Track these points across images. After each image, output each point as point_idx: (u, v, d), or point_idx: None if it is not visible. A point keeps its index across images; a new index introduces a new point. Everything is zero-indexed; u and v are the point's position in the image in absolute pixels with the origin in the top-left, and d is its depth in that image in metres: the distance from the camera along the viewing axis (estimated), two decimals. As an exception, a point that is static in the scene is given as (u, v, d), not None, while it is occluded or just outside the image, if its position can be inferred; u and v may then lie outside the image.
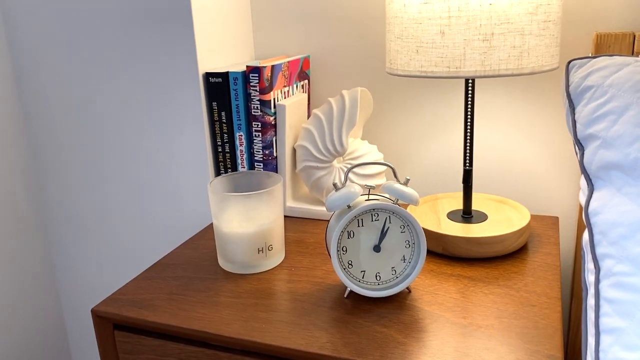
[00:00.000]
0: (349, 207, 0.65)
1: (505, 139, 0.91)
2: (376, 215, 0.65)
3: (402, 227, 0.66)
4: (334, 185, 0.66)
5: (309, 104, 1.01)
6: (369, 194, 0.68)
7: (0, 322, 1.01)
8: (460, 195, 0.89)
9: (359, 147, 0.89)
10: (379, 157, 0.89)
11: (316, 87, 1.02)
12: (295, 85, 0.95)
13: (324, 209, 0.90)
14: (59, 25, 0.94)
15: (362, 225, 0.65)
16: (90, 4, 0.91)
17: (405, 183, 0.66)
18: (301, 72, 0.97)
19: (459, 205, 0.85)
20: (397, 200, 0.66)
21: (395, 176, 0.67)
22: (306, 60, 0.98)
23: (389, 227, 0.65)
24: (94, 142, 0.99)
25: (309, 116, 1.02)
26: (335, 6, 0.96)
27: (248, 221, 0.72)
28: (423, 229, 0.76)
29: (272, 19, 1.01)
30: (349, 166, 0.88)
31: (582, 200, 0.60)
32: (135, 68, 0.91)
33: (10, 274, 1.03)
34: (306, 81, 0.99)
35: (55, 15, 0.93)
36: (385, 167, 0.89)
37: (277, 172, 0.91)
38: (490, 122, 0.92)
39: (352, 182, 0.88)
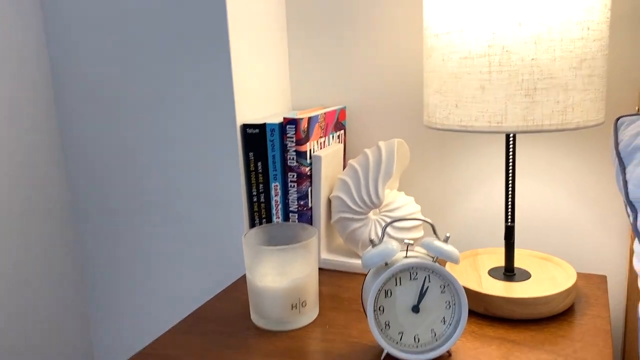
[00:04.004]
0: (386, 264, 0.63)
1: (548, 193, 0.88)
2: (415, 273, 0.63)
3: (442, 286, 0.63)
4: (371, 241, 0.65)
5: (344, 154, 1.01)
6: (407, 250, 0.66)
7: (33, 369, 1.01)
8: (501, 251, 0.86)
9: (396, 199, 0.87)
10: (416, 209, 0.87)
11: (352, 137, 1.02)
12: (331, 136, 0.95)
13: (359, 261, 0.88)
14: (101, 63, 0.97)
15: (400, 284, 0.63)
16: (137, 45, 0.94)
17: (446, 240, 0.64)
18: (337, 122, 0.97)
19: (500, 261, 0.82)
20: (437, 258, 0.64)
21: (435, 233, 0.65)
22: (342, 111, 0.99)
23: (428, 287, 0.63)
24: (133, 189, 1.00)
25: (344, 167, 1.01)
26: (372, 58, 0.97)
27: (282, 275, 0.71)
28: (464, 287, 0.73)
29: (310, 70, 1.02)
30: (385, 218, 0.86)
31: (638, 266, 0.57)
32: (175, 115, 0.93)
33: (45, 324, 1.03)
34: (342, 131, 0.99)
35: (99, 54, 0.97)
36: (418, 212, 0.86)
37: (311, 223, 0.90)
38: (532, 175, 0.89)
39: (390, 237, 0.85)
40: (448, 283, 0.63)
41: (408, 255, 0.65)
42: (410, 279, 0.63)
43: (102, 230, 1.05)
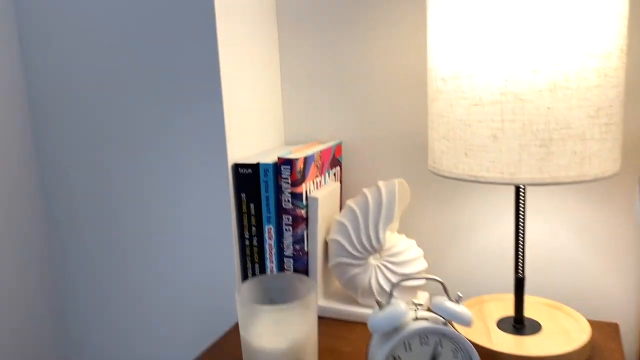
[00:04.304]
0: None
1: (557, 237, 0.84)
2: (425, 338, 0.58)
3: (454, 350, 0.58)
4: (377, 302, 0.60)
5: (341, 192, 0.96)
6: (416, 312, 0.61)
7: None
8: (508, 297, 0.82)
9: (397, 243, 0.83)
10: (419, 253, 0.83)
11: (349, 173, 0.97)
12: (327, 174, 0.90)
13: (359, 309, 0.83)
14: (81, 101, 0.91)
15: (410, 350, 0.58)
16: (117, 79, 0.88)
17: (457, 301, 0.60)
18: (333, 159, 0.92)
19: (508, 310, 0.78)
20: (448, 320, 0.59)
21: (446, 292, 0.60)
22: (338, 147, 0.94)
23: (440, 353, 0.58)
24: (116, 230, 0.94)
25: (341, 205, 0.97)
26: (370, 88, 0.93)
27: (279, 336, 0.66)
28: (473, 343, 0.69)
29: (303, 103, 0.98)
30: (387, 264, 0.82)
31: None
32: (162, 153, 0.88)
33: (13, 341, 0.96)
34: (338, 168, 0.95)
35: (78, 95, 0.91)
36: (421, 257, 0.82)
37: (307, 267, 0.85)
38: (540, 220, 0.85)
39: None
40: (461, 347, 0.58)
41: (418, 317, 0.60)
42: (421, 344, 0.58)
43: (82, 270, 0.99)
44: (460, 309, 0.59)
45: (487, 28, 0.59)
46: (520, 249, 0.70)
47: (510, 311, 0.78)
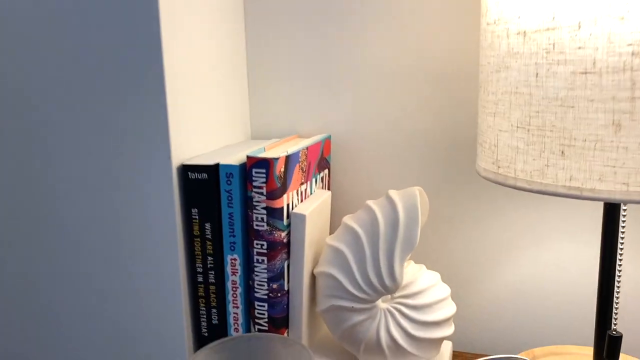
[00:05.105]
0: None
1: None
2: None
3: None
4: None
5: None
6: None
7: None
8: (571, 351, 0.59)
9: (416, 278, 0.59)
10: (446, 293, 0.59)
11: (339, 178, 0.72)
12: (314, 179, 0.65)
13: (361, 373, 0.59)
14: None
15: None
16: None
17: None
18: (322, 159, 0.67)
19: (576, 374, 0.56)
20: None
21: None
22: (327, 143, 0.69)
23: None
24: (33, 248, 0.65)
25: (332, 221, 0.72)
26: (368, 71, 0.68)
27: None
28: None
29: (276, 84, 0.72)
30: (402, 308, 0.57)
31: None
32: (88, 158, 0.60)
33: None
34: (326, 171, 0.70)
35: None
36: (448, 298, 0.58)
37: (287, 315, 0.60)
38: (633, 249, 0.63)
39: (406, 334, 0.57)
40: None
41: None
42: None
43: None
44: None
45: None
46: (616, 291, 0.48)
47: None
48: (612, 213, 0.46)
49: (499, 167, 0.44)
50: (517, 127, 0.42)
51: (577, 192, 0.39)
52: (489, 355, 0.41)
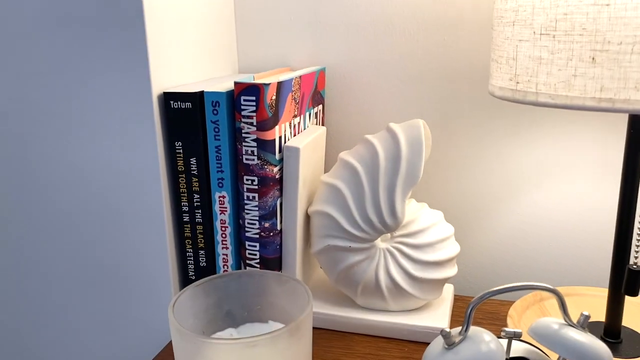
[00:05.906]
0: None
1: None
2: (537, 401, 0.31)
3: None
4: (444, 335, 0.32)
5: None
6: (509, 347, 0.33)
7: None
8: (582, 292, 0.56)
9: (417, 216, 0.55)
10: (448, 232, 0.55)
11: (333, 115, 0.68)
12: (307, 114, 0.60)
13: (356, 314, 0.55)
14: None
15: None
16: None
17: (583, 325, 0.33)
18: (315, 93, 0.62)
19: (594, 312, 0.53)
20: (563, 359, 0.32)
21: (564, 308, 0.33)
22: (322, 75, 0.64)
23: None
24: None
25: (326, 161, 0.68)
26: (368, -7, 0.62)
27: (252, 390, 0.36)
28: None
29: (265, 11, 0.66)
30: (402, 247, 0.54)
31: None
32: (50, 68, 0.54)
33: None
34: (320, 107, 0.65)
35: None
36: (451, 237, 0.55)
37: (280, 255, 0.56)
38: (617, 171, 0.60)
39: (403, 271, 0.54)
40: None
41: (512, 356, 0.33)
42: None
43: None
44: (593, 341, 0.32)
45: None
46: (633, 221, 0.44)
47: (598, 315, 0.52)
48: (639, 131, 0.42)
49: (517, 82, 0.40)
50: (541, 34, 0.37)
51: (609, 104, 0.34)
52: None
